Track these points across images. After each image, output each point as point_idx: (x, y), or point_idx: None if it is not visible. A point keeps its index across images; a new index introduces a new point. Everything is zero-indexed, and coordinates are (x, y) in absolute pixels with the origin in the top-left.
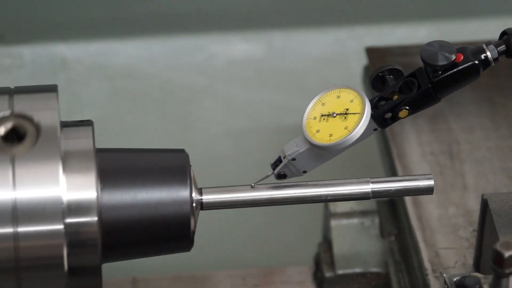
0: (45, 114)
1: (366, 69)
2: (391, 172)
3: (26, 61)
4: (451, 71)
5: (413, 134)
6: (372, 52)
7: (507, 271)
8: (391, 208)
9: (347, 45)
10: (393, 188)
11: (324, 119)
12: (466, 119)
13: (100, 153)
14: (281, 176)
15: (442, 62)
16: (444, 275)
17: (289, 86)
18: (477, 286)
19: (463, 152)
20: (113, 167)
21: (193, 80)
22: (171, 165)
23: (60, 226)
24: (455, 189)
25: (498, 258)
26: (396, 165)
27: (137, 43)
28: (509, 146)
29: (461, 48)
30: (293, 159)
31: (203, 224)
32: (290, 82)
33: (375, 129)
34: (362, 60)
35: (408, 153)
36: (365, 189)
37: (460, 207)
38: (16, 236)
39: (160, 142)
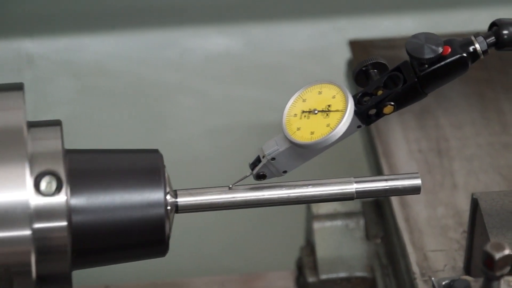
0: (11, 114)
1: (350, 63)
2: (377, 171)
3: None
4: (438, 65)
5: (400, 131)
6: (355, 45)
7: (498, 273)
8: (376, 209)
9: (329, 38)
10: (378, 188)
11: (305, 116)
12: (455, 114)
13: (69, 154)
14: (260, 176)
15: (428, 55)
16: (433, 278)
17: (268, 82)
18: None
19: (452, 149)
20: (83, 169)
21: (167, 77)
22: (144, 166)
23: (27, 232)
24: (444, 188)
25: (489, 260)
26: (382, 164)
27: (108, 38)
28: (500, 142)
29: (449, 40)
30: (273, 159)
31: (178, 228)
32: (269, 77)
33: (359, 126)
34: (345, 54)
35: (394, 151)
36: (349, 189)
37: (449, 207)
38: None
39: (132, 142)
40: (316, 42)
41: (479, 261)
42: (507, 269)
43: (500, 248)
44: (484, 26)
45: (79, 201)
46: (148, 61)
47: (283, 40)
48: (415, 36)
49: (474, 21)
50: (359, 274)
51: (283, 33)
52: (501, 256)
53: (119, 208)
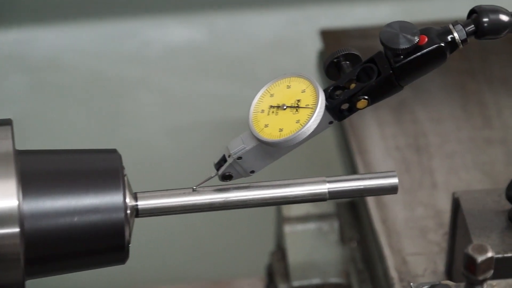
0: None
1: (321, 55)
2: (351, 170)
3: None
4: (414, 55)
5: (375, 127)
6: (327, 35)
7: (480, 277)
8: (352, 210)
9: (299, 28)
10: (353, 188)
11: (273, 112)
12: (434, 108)
13: (21, 155)
14: (226, 177)
15: (404, 45)
16: (412, 284)
17: (234, 75)
18: None
19: (432, 146)
20: (36, 171)
21: (125, 71)
22: (102, 168)
23: None
24: (423, 188)
25: (470, 264)
26: (357, 162)
27: (61, 30)
28: (482, 137)
29: (425, 29)
30: (239, 158)
31: (139, 233)
32: (235, 70)
33: (330, 122)
34: (316, 45)
35: (370, 148)
36: (321, 189)
37: (429, 208)
38: None
39: (89, 142)
40: (285, 32)
41: (461, 265)
42: (490, 272)
43: (483, 250)
44: (463, 14)
45: (31, 205)
46: (105, 55)
47: (250, 30)
48: (389, 25)
49: (453, 8)
50: (333, 280)
51: (250, 23)
52: (483, 259)
53: (75, 212)
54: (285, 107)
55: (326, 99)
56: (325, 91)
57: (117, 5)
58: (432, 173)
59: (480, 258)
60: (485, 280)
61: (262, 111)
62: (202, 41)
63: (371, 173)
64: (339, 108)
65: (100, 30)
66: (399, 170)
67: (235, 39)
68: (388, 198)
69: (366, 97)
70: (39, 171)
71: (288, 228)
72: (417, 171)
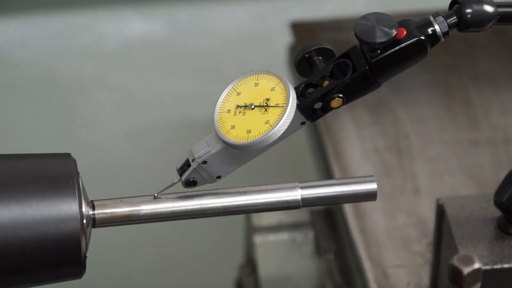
0: None
1: (292, 49)
2: (326, 175)
3: None
4: (392, 50)
5: (352, 127)
6: (298, 28)
7: None
8: (327, 219)
9: (268, 20)
10: (328, 194)
11: (240, 112)
12: (416, 107)
13: None
14: (190, 183)
15: (380, 39)
16: None
17: (197, 72)
18: None
19: (414, 148)
20: None
21: (79, 68)
22: (55, 174)
23: None
24: (404, 193)
25: (456, 276)
26: (332, 166)
27: (8, 24)
28: (468, 138)
29: (404, 21)
30: (204, 162)
31: (97, 244)
32: (199, 66)
33: (303, 123)
34: (286, 38)
35: (346, 150)
36: (293, 196)
37: (411, 216)
38: None
39: (40, 146)
40: (252, 25)
41: (446, 277)
42: (478, 285)
43: (469, 261)
44: (445, 4)
45: None
46: (57, 50)
47: (215, 23)
48: (364, 17)
49: None
50: None
51: (214, 15)
52: (470, 270)
53: (26, 223)
54: (253, 107)
55: (298, 97)
56: (296, 89)
57: None
58: (415, 178)
59: (466, 270)
60: None
61: (229, 111)
62: (163, 35)
63: (348, 178)
64: (311, 108)
65: (51, 23)
66: (379, 174)
67: (198, 33)
68: (367, 205)
69: (340, 95)
70: None
71: (258, 239)
72: (398, 176)
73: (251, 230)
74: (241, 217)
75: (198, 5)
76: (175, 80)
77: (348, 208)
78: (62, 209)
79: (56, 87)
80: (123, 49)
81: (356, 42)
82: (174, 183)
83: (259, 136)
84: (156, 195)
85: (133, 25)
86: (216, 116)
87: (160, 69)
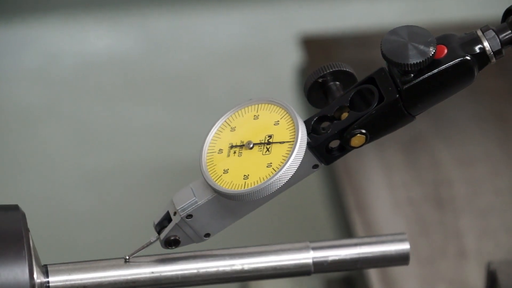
0: None
1: (302, 72)
2: (345, 232)
3: None
4: (429, 73)
5: (379, 171)
6: (310, 44)
7: None
8: None
9: (271, 33)
10: (347, 257)
11: (235, 152)
12: (462, 145)
13: None
14: (171, 242)
15: (414, 59)
16: None
17: (179, 100)
18: None
19: (459, 198)
20: None
21: (24, 95)
22: None
23: None
24: (446, 257)
25: None
26: (353, 221)
27: None
28: None
29: (444, 37)
30: (189, 216)
31: None
32: (180, 92)
33: (315, 166)
34: (294, 57)
35: (372, 201)
36: (303, 259)
37: (455, 285)
38: None
39: None
40: (250, 39)
41: None
42: None
43: None
44: (497, 13)
45: None
46: None
47: (201, 37)
48: (394, 32)
49: (481, 4)
50: None
51: (200, 26)
52: None
53: None
54: (251, 146)
55: (309, 134)
56: (306, 123)
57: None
58: (460, 237)
59: None
60: None
61: (220, 151)
62: (133, 52)
63: (372, 236)
64: (326, 147)
65: None
66: (413, 232)
67: (180, 49)
68: (397, 271)
69: (363, 131)
70: None
71: None
72: (439, 234)
73: None
74: (235, 286)
75: (179, 13)
76: (149, 109)
77: (373, 275)
78: (8, 276)
79: None
80: (81, 71)
81: (383, 63)
82: (151, 243)
83: (259, 183)
84: (127, 258)
85: (94, 40)
86: (205, 158)
87: (129, 96)
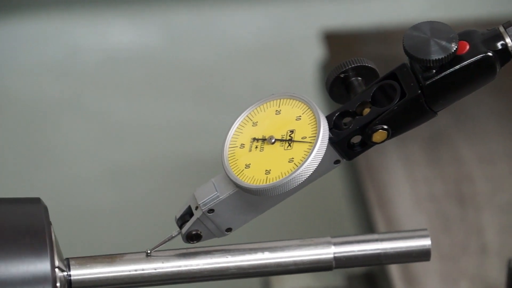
0: None
1: (324, 67)
2: (367, 227)
3: None
4: (451, 69)
5: (401, 168)
6: (332, 40)
7: None
8: (368, 284)
9: (293, 29)
10: (368, 253)
11: (257, 147)
12: (483, 142)
13: None
14: (193, 237)
15: (436, 55)
16: None
17: (200, 95)
18: None
19: (480, 195)
20: None
21: (46, 88)
22: (20, 225)
23: None
24: (468, 253)
25: None
26: (375, 217)
27: None
28: None
29: (466, 33)
30: (211, 211)
31: None
32: (202, 87)
33: (336, 161)
34: (316, 52)
35: (393, 197)
36: (324, 254)
37: (477, 281)
38: None
39: (0, 189)
40: (272, 34)
41: None
42: None
43: None
44: None
45: None
46: (17, 65)
47: (223, 31)
48: (416, 27)
49: (504, 0)
50: None
51: (222, 21)
52: None
53: None
54: (273, 141)
55: (330, 129)
56: (328, 118)
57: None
58: (481, 233)
59: None
60: None
61: (242, 145)
62: (156, 46)
63: (393, 232)
64: (348, 142)
65: (8, 29)
66: (434, 228)
67: (201, 43)
68: (419, 267)
69: (385, 126)
70: None
71: None
72: (460, 230)
73: None
74: (257, 281)
75: (201, 8)
76: (171, 104)
77: (395, 271)
78: (31, 269)
79: (16, 112)
80: (103, 65)
81: (405, 58)
82: (172, 237)
83: (281, 178)
84: (148, 252)
85: (117, 34)
86: (226, 152)
87: (151, 90)
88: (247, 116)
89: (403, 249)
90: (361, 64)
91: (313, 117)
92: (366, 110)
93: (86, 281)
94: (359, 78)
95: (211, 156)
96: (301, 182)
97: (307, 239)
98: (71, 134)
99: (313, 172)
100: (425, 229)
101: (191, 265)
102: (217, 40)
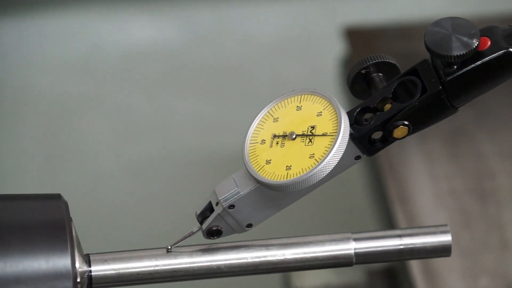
0: None
1: (345, 63)
2: (387, 223)
3: None
4: (473, 65)
5: (422, 164)
6: (353, 36)
7: None
8: (389, 280)
9: (314, 24)
10: (389, 248)
11: (277, 143)
12: (505, 138)
13: None
14: (213, 232)
15: (458, 51)
16: None
17: (221, 91)
18: None
19: (501, 190)
20: None
21: (67, 84)
22: (41, 221)
23: None
24: (489, 249)
25: None
26: (395, 212)
27: None
28: None
29: (488, 29)
30: (231, 206)
31: None
32: (222, 83)
33: (357, 157)
34: (337, 48)
35: (414, 193)
36: (345, 250)
37: (497, 278)
38: None
39: (20, 184)
40: (293, 30)
41: None
42: None
43: None
44: None
45: None
46: (38, 61)
47: (244, 28)
48: (438, 23)
49: None
50: None
51: (243, 17)
52: None
53: (7, 283)
54: (294, 136)
55: (351, 125)
56: (349, 114)
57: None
58: (502, 229)
59: None
60: None
61: (263, 141)
62: (176, 43)
63: (414, 227)
64: (369, 138)
65: (29, 26)
66: (455, 223)
67: (222, 40)
68: (440, 263)
69: (406, 122)
70: None
71: None
72: (481, 226)
73: None
74: (277, 277)
75: (222, 3)
76: (192, 99)
77: (415, 266)
78: (51, 265)
79: (38, 109)
80: (124, 61)
81: (426, 54)
82: (193, 233)
83: (301, 173)
84: (169, 247)
85: (138, 30)
86: (247, 148)
87: (173, 86)
88: (268, 112)
89: (424, 245)
90: (382, 60)
91: (334, 113)
92: (387, 106)
93: (106, 277)
94: (380, 74)
95: (231, 151)
96: (322, 178)
97: (327, 234)
98: (92, 129)
99: (333, 168)
100: (445, 225)
101: (212, 261)
102: (238, 36)
